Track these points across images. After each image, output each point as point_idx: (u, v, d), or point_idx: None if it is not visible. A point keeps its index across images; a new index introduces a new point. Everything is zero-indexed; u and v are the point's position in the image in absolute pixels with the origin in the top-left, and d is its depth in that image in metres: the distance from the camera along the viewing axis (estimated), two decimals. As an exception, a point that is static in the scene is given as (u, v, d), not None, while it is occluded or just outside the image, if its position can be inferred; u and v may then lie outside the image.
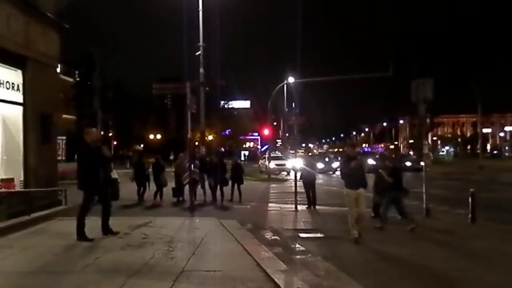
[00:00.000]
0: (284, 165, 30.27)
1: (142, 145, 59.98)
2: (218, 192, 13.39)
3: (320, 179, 25.75)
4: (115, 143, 43.90)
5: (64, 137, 30.41)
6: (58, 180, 11.35)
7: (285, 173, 29.86)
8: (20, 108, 9.51)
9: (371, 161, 32.03)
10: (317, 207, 12.10)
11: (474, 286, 5.24)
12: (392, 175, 8.88)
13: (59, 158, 21.84)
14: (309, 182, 12.30)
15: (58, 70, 13.81)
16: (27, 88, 9.51)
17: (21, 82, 9.47)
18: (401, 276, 5.53)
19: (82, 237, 6.89)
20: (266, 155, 34.24)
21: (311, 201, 12.12)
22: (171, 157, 36.13)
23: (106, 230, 7.32)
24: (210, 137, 45.90)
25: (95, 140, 7.41)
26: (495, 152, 77.67)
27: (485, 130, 73.20)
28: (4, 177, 9.33)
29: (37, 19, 9.72)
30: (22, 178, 9.47)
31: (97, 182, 7.06)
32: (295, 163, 13.32)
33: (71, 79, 42.38)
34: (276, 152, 38.95)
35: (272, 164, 29.97)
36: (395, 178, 8.86)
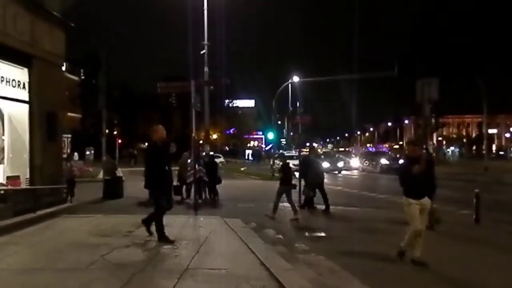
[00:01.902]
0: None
1: (146, 144, 60.20)
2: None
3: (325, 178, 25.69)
4: (119, 141, 44.04)
5: (69, 135, 30.64)
6: (63, 178, 11.43)
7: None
8: (26, 106, 9.59)
9: (384, 161, 31.45)
10: (320, 206, 12.09)
11: (476, 286, 5.23)
12: (282, 171, 10.35)
13: (64, 156, 21.99)
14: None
15: (64, 68, 13.90)
16: (33, 86, 9.59)
17: (27, 80, 9.55)
18: (404, 276, 5.53)
19: (163, 238, 6.70)
20: (278, 154, 33.09)
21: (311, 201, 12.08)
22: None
23: (148, 226, 7.06)
24: (215, 136, 45.94)
25: (162, 138, 7.04)
26: (500, 153, 77.20)
27: (490, 131, 72.71)
28: (10, 174, 9.42)
29: (43, 18, 9.80)
30: (28, 176, 9.56)
31: (164, 180, 6.86)
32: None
33: (76, 78, 42.53)
34: (291, 151, 37.96)
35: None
36: (284, 173, 10.16)
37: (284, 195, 10.16)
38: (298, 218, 9.82)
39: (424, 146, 11.41)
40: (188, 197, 13.41)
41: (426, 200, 5.93)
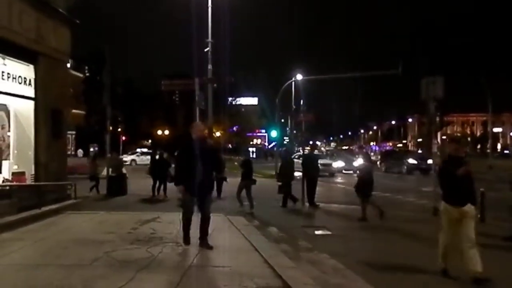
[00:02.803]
0: (329, 165, 25.69)
1: (150, 141, 60.33)
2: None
3: (339, 177, 25.00)
4: (123, 138, 44.19)
5: (73, 132, 30.72)
6: (67, 175, 11.49)
7: (326, 174, 24.12)
8: (32, 103, 9.63)
9: (411, 160, 28.67)
10: (324, 204, 12.11)
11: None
12: (243, 166, 11.05)
13: (69, 152, 22.11)
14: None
15: (69, 65, 13.95)
16: (39, 83, 9.63)
17: (33, 77, 9.59)
18: (408, 274, 5.52)
19: (185, 241, 6.30)
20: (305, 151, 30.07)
21: (311, 198, 12.11)
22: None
23: (202, 242, 6.22)
24: (218, 134, 45.94)
25: (201, 135, 6.46)
26: (505, 151, 76.80)
27: (495, 130, 72.40)
28: (15, 170, 9.47)
29: (49, 15, 9.82)
30: (33, 172, 9.60)
31: (194, 182, 6.03)
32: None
33: (81, 75, 42.71)
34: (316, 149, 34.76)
35: None
36: (245, 169, 10.89)
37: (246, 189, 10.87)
38: (253, 213, 10.31)
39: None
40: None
41: (469, 207, 5.10)
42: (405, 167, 28.43)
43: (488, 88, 32.78)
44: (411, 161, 28.68)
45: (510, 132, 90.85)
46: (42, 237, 6.91)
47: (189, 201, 6.27)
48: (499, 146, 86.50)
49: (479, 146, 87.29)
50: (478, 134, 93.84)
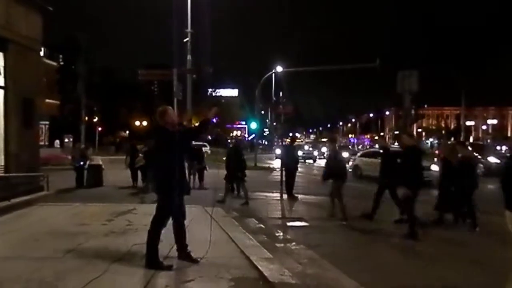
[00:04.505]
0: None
1: (127, 132, 59.42)
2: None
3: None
4: (100, 129, 43.30)
5: (47, 122, 29.94)
6: (40, 166, 11.19)
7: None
8: (1, 92, 9.29)
9: (492, 159, 21.61)
10: (301, 196, 12.20)
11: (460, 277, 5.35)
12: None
13: (41, 143, 21.55)
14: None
15: (42, 53, 13.47)
16: (9, 71, 9.29)
17: (3, 65, 9.24)
18: (383, 264, 5.62)
19: (153, 265, 4.79)
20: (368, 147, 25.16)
21: (289, 189, 12.14)
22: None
23: (182, 251, 5.15)
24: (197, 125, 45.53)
25: (173, 122, 5.01)
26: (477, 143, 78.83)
27: (468, 123, 74.32)
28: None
29: (19, 1, 9.46)
30: (2, 163, 9.30)
31: (179, 182, 4.90)
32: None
33: (55, 63, 41.50)
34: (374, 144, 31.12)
35: None
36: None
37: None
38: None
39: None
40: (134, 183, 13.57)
41: None
42: (482, 168, 18.81)
43: (462, 83, 33.56)
44: (492, 159, 21.32)
45: (482, 125, 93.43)
46: (12, 229, 6.72)
47: (172, 203, 4.93)
48: (471, 139, 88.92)
49: (452, 139, 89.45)
50: (452, 127, 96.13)
